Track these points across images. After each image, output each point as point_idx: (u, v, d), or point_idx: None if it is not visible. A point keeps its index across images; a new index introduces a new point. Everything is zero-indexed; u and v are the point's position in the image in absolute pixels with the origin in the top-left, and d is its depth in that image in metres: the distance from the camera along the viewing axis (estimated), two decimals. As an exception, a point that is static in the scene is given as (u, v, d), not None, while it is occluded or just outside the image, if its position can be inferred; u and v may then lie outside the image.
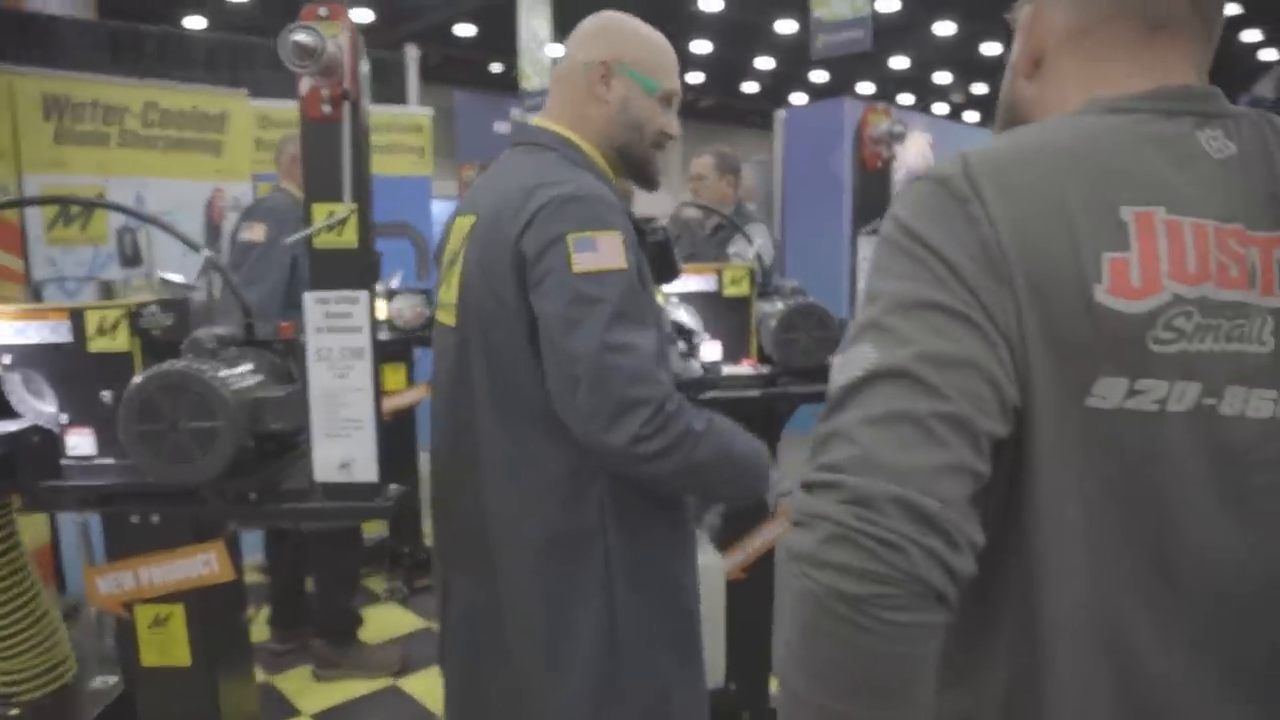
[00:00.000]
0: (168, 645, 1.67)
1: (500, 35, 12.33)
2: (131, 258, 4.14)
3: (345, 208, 1.47)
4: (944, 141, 6.58)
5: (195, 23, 12.99)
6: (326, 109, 1.45)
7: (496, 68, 16.04)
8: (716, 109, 20.79)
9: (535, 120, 1.62)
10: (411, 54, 5.03)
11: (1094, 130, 0.81)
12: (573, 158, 1.56)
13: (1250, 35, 13.58)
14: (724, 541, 2.59)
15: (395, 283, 4.16)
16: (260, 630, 3.56)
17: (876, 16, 10.52)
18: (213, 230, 4.48)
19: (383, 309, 3.92)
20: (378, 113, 4.80)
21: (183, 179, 4.29)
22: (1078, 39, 0.89)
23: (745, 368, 2.47)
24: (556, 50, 12.98)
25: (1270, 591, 0.81)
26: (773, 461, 1.63)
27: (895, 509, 0.69)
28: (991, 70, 16.65)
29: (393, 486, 1.61)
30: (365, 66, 1.48)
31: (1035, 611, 0.80)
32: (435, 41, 14.87)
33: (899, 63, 15.68)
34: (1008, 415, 0.76)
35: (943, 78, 17.59)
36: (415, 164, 4.81)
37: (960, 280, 0.76)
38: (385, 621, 3.78)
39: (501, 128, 17.63)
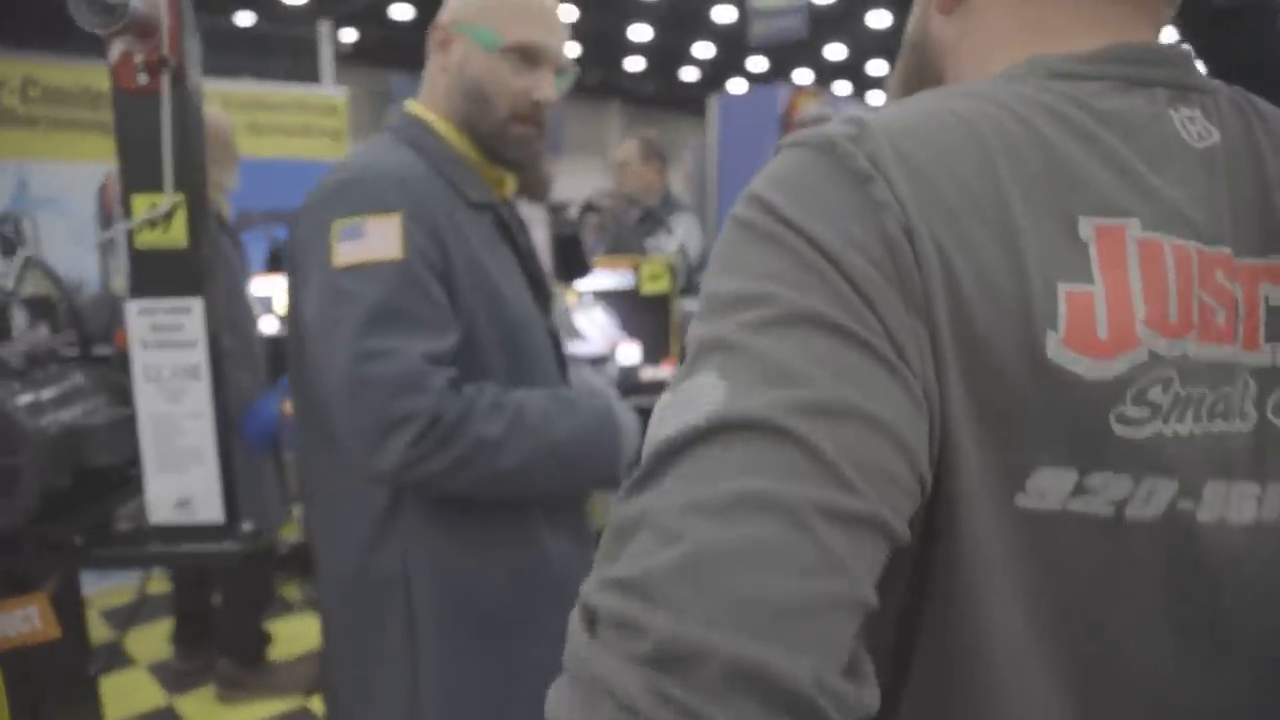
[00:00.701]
0: (-17, 715, 1.42)
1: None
2: (14, 247, 3.80)
3: (168, 199, 1.23)
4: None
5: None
6: (142, 79, 1.20)
7: (433, 50, 15.72)
8: (656, 95, 20.64)
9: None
10: (325, 31, 4.73)
11: (1037, 103, 0.57)
12: (411, 136, 1.33)
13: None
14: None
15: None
16: (163, 648, 3.36)
17: (813, 6, 10.48)
18: (105, 219, 4.14)
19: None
20: (290, 93, 4.51)
21: (71, 161, 3.95)
22: None
23: (666, 370, 2.29)
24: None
25: None
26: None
27: (737, 686, 0.39)
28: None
29: (246, 525, 1.38)
30: (193, 28, 1.24)
31: None
32: (372, 23, 14.54)
33: (836, 51, 15.68)
34: (916, 506, 0.50)
35: (878, 67, 17.64)
36: (329, 148, 4.52)
37: (857, 290, 0.50)
38: (299, 633, 3.54)
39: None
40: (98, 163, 4.03)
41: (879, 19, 13.84)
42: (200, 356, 1.28)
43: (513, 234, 1.40)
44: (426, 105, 1.38)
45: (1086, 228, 0.54)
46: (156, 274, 1.27)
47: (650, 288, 2.22)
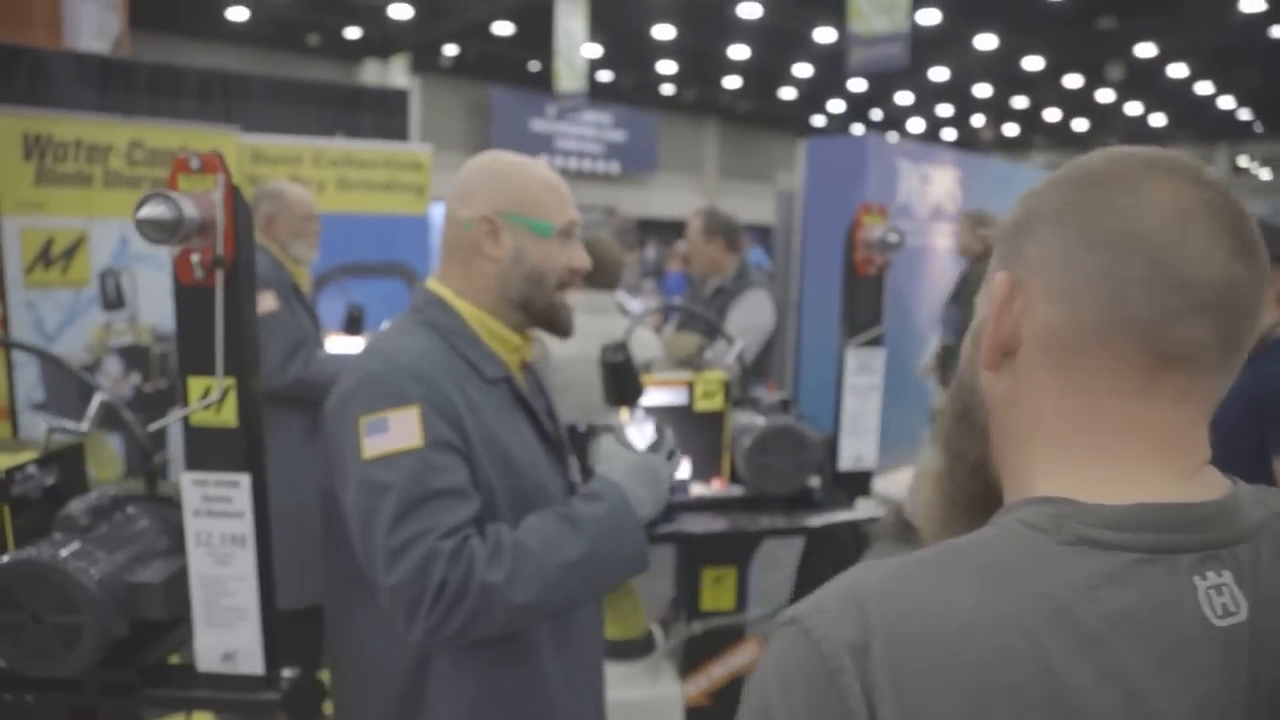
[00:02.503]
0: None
1: (538, 34, 12.34)
2: (115, 300, 4.02)
3: (219, 384, 1.31)
4: (975, 178, 6.21)
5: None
6: (199, 274, 1.28)
7: (535, 66, 15.99)
8: (753, 114, 20.54)
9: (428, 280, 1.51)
10: (414, 87, 4.86)
11: (1048, 599, 0.54)
12: (433, 318, 1.43)
13: None
14: (687, 668, 2.43)
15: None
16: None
17: (916, 28, 10.23)
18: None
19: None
20: (378, 150, 4.64)
21: (173, 215, 4.15)
22: (1060, 351, 0.62)
23: (715, 488, 2.30)
24: (592, 51, 12.98)
25: None
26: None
27: None
28: (1032, 84, 16.29)
29: (286, 674, 1.45)
30: (249, 225, 1.31)
31: None
32: (474, 38, 14.86)
33: (938, 74, 15.33)
34: None
35: (982, 90, 17.20)
36: (412, 202, 4.64)
37: None
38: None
39: (538, 125, 17.59)
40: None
41: (985, 42, 13.50)
42: (246, 527, 1.36)
43: (527, 402, 1.49)
44: (442, 282, 1.48)
45: None
46: (209, 450, 1.35)
47: (704, 405, 2.23)
